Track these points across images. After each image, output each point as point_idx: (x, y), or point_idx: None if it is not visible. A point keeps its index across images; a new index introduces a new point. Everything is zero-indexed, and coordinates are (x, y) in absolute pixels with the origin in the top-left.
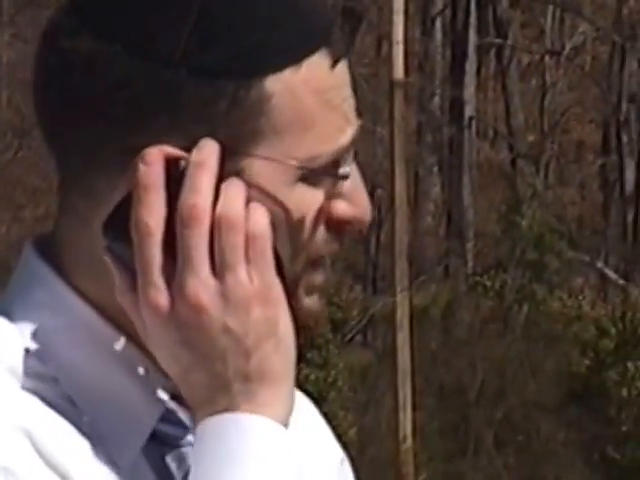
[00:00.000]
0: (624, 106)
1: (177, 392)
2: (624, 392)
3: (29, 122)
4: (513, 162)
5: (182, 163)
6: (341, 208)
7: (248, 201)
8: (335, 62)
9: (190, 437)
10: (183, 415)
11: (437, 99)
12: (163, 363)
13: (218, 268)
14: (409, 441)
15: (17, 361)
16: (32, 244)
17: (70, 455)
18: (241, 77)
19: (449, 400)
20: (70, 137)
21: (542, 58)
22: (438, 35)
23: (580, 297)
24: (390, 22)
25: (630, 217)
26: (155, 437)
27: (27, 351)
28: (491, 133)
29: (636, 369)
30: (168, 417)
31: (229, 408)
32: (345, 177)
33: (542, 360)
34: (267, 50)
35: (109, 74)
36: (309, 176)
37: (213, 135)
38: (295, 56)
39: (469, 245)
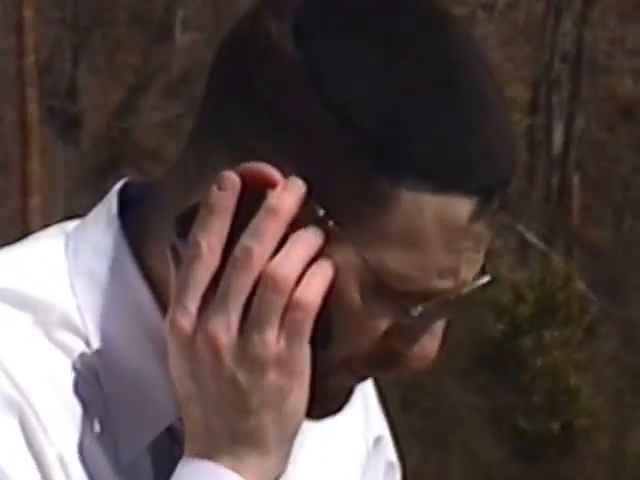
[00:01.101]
0: (556, 65)
1: None
2: (539, 361)
3: None
4: None
5: (268, 193)
6: (403, 343)
7: (314, 261)
8: (476, 216)
9: None
10: None
11: None
12: (174, 382)
13: (249, 321)
14: None
15: (60, 313)
16: (119, 191)
17: (63, 441)
18: (384, 166)
19: None
20: (213, 95)
21: (474, 11)
22: None
23: (498, 260)
24: None
25: (555, 181)
26: (170, 433)
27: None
28: None
29: (552, 338)
30: None
31: (211, 457)
32: (414, 320)
33: (455, 322)
34: (423, 160)
35: (274, 72)
36: (382, 290)
37: (323, 191)
38: (442, 185)
39: None
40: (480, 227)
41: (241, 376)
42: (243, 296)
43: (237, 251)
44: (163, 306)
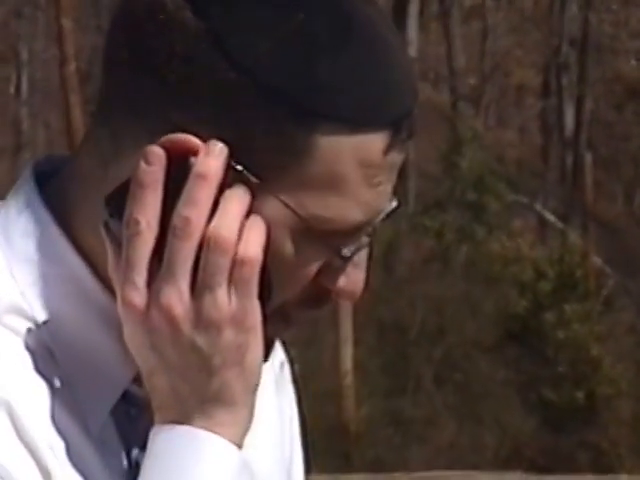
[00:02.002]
0: (564, 49)
1: None
2: (561, 334)
3: None
4: (454, 104)
5: (192, 160)
6: (331, 278)
7: (247, 215)
8: (390, 147)
9: None
10: None
11: None
12: (134, 356)
13: (198, 284)
14: (350, 376)
15: (7, 302)
16: (32, 167)
17: (45, 426)
18: (296, 110)
19: (389, 338)
20: (122, 75)
21: (484, 1)
22: None
23: (519, 239)
24: None
25: (569, 161)
26: (124, 396)
27: (12, 284)
28: (432, 75)
29: (573, 312)
30: (139, 379)
31: (183, 421)
32: (345, 258)
33: (481, 300)
34: (332, 103)
35: (179, 43)
36: (309, 235)
37: (244, 150)
38: (355, 123)
39: (410, 185)
40: (394, 157)
41: (200, 340)
42: (189, 263)
43: (176, 221)
44: (99, 275)
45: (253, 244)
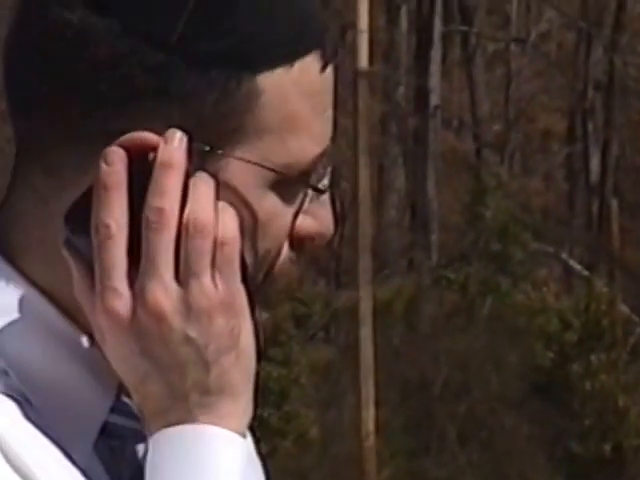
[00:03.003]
0: (590, 94)
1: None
2: (587, 385)
3: None
4: (478, 152)
5: (151, 155)
6: (307, 224)
7: (217, 201)
8: (325, 65)
9: (138, 427)
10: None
11: (402, 89)
12: (118, 369)
13: (182, 274)
14: (372, 438)
15: None
16: None
17: (34, 457)
18: (234, 69)
19: (412, 396)
20: (45, 108)
21: (508, 46)
22: (403, 23)
23: (544, 289)
24: (354, 10)
25: (595, 207)
26: (104, 430)
27: None
28: (456, 122)
29: (600, 362)
30: (119, 407)
31: (186, 420)
32: (323, 191)
33: (506, 353)
34: (262, 45)
35: (99, 50)
36: (284, 184)
37: (197, 128)
38: (289, 55)
39: (433, 237)
40: (328, 78)
41: (193, 332)
42: (170, 255)
43: (149, 214)
44: (60, 308)
45: (229, 224)
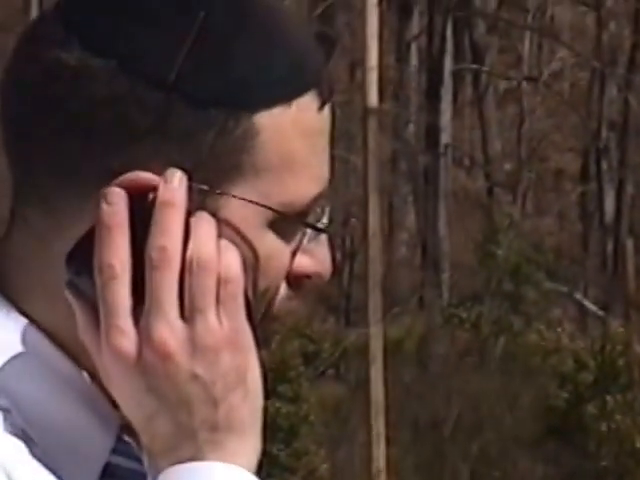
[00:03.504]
0: (604, 133)
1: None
2: (603, 426)
3: None
4: (490, 191)
5: (151, 195)
6: (304, 263)
7: (219, 239)
8: (323, 104)
9: (140, 469)
10: (136, 447)
11: (412, 126)
12: (125, 408)
13: (187, 312)
14: (383, 476)
15: None
16: None
17: None
18: (231, 108)
19: (424, 435)
20: (44, 149)
21: (520, 84)
22: (413, 61)
23: (558, 329)
24: (364, 47)
25: (610, 247)
26: (105, 470)
27: None
28: (467, 161)
29: (615, 403)
30: (119, 448)
31: (196, 457)
32: (321, 230)
33: (519, 393)
34: (260, 84)
35: (96, 90)
36: (282, 223)
37: (196, 167)
38: (287, 94)
39: (444, 276)
40: (326, 118)
41: (199, 369)
42: (174, 293)
43: (152, 253)
44: (63, 349)
45: (232, 261)
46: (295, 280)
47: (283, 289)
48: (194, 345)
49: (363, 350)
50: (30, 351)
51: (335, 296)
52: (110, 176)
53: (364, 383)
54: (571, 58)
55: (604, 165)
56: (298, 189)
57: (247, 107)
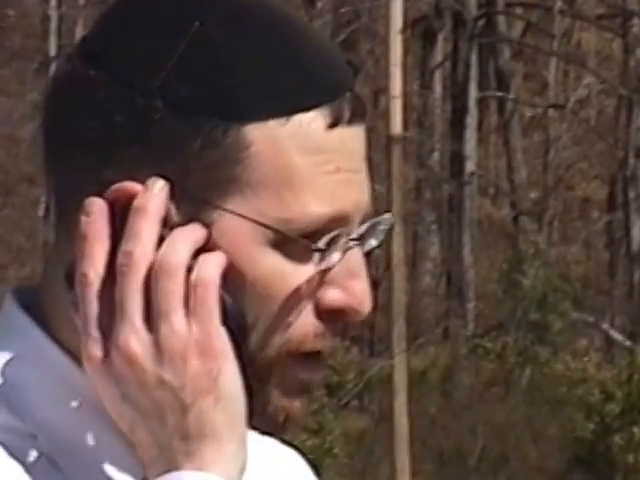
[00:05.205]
0: (631, 161)
1: None
2: (630, 458)
3: (13, 179)
4: (515, 219)
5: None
6: (331, 295)
7: (204, 250)
8: (333, 124)
9: None
10: None
11: (436, 154)
12: (115, 419)
13: (153, 317)
14: None
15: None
16: (12, 293)
17: None
18: (218, 118)
19: (448, 466)
20: (56, 171)
21: (545, 112)
22: (437, 88)
23: (585, 359)
24: (387, 75)
25: (637, 276)
26: None
27: (1, 406)
28: (492, 189)
29: None
30: None
31: (172, 468)
32: (319, 250)
33: (545, 425)
34: (251, 95)
35: (90, 100)
36: (285, 243)
37: (185, 177)
38: (284, 107)
39: (470, 306)
40: (344, 140)
41: (167, 375)
42: (138, 298)
43: (120, 259)
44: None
45: (207, 268)
46: (326, 315)
47: (312, 325)
48: (159, 349)
49: (387, 381)
50: (58, 376)
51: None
52: (103, 188)
53: (388, 414)
54: (597, 85)
55: (631, 193)
56: (299, 207)
57: (234, 118)
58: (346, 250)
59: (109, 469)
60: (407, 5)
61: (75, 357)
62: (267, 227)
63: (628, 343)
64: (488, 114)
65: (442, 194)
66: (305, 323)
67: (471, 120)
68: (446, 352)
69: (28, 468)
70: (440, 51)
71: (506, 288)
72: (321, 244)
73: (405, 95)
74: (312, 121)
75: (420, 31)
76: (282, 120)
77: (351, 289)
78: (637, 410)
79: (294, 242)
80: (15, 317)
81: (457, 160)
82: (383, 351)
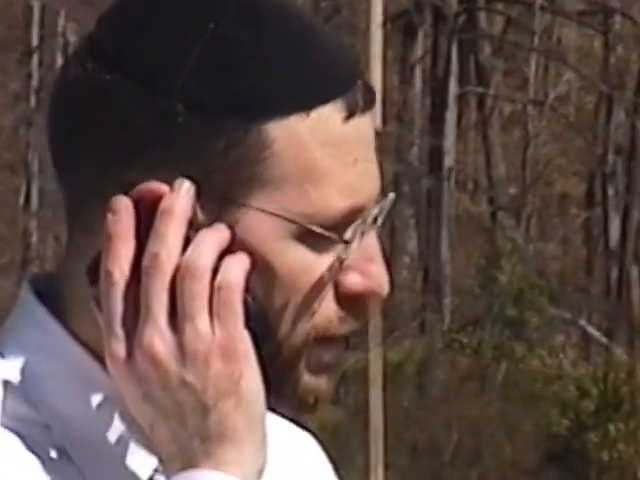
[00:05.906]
0: (610, 158)
1: None
2: (605, 455)
3: None
4: (493, 215)
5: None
6: (351, 280)
7: (229, 252)
8: (349, 115)
9: None
10: None
11: (416, 149)
12: (135, 416)
13: (178, 319)
14: None
15: (5, 405)
16: (30, 282)
17: None
18: (240, 117)
19: (422, 460)
20: (72, 170)
21: (525, 108)
22: (417, 83)
23: (561, 356)
24: (367, 69)
25: (614, 273)
26: None
27: (17, 395)
28: (471, 185)
29: (617, 432)
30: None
31: (190, 467)
32: (346, 242)
33: (520, 420)
34: (270, 94)
35: (108, 103)
36: (308, 236)
37: (209, 178)
38: (303, 103)
39: (446, 300)
40: (359, 129)
41: (189, 376)
42: (163, 300)
43: (146, 260)
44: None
45: (232, 270)
46: (347, 300)
47: (334, 310)
48: (183, 351)
49: (362, 374)
50: (75, 368)
51: None
52: (126, 189)
53: (363, 407)
54: (577, 81)
55: (610, 190)
56: (322, 200)
57: (255, 117)
58: (362, 235)
59: (122, 462)
60: (387, 0)
61: (90, 349)
62: (292, 222)
63: (605, 340)
64: (468, 110)
65: (421, 189)
66: (328, 309)
67: (450, 115)
68: (422, 346)
69: (41, 458)
70: (420, 46)
71: (483, 283)
72: (347, 236)
73: (385, 89)
74: (330, 114)
75: (400, 26)
76: (302, 115)
77: (370, 272)
78: (612, 408)
79: (317, 234)
80: (33, 308)
81: (436, 155)
82: (359, 344)
